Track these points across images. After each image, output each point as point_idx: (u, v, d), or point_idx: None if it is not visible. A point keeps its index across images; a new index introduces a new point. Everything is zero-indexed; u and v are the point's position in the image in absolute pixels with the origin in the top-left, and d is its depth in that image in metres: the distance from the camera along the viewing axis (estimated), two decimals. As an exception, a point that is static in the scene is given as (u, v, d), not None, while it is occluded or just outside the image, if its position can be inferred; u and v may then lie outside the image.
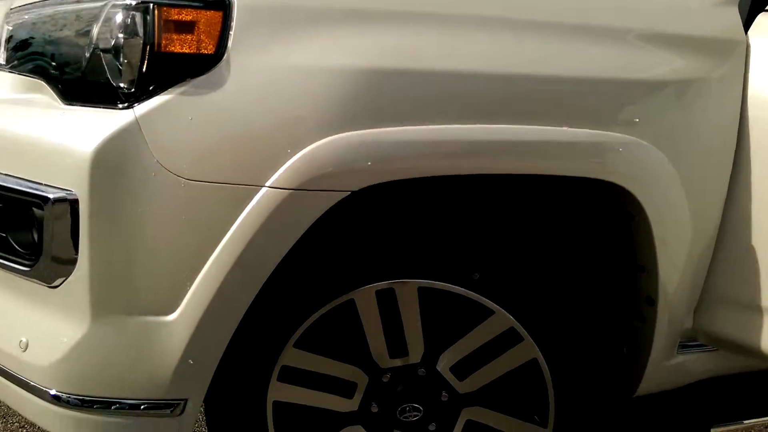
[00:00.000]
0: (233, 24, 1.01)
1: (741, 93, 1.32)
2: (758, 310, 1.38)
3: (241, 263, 1.02)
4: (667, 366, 1.49)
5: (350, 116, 1.02)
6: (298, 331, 1.23)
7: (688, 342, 1.54)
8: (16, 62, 1.16)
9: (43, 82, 1.09)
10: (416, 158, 1.07)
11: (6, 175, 1.06)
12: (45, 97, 1.10)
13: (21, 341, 1.10)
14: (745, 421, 1.63)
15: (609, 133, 1.20)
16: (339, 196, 1.03)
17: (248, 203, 1.00)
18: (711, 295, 1.44)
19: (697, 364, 1.56)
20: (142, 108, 0.99)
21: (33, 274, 1.06)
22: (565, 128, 1.16)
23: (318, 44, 1.04)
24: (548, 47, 1.17)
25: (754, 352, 1.43)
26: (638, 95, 1.24)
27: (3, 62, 1.16)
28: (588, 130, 1.18)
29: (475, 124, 1.10)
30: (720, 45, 1.31)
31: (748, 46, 1.32)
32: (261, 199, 1.00)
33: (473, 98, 1.11)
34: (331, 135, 1.01)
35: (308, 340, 1.24)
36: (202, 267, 1.02)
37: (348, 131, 1.02)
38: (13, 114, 1.12)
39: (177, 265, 1.02)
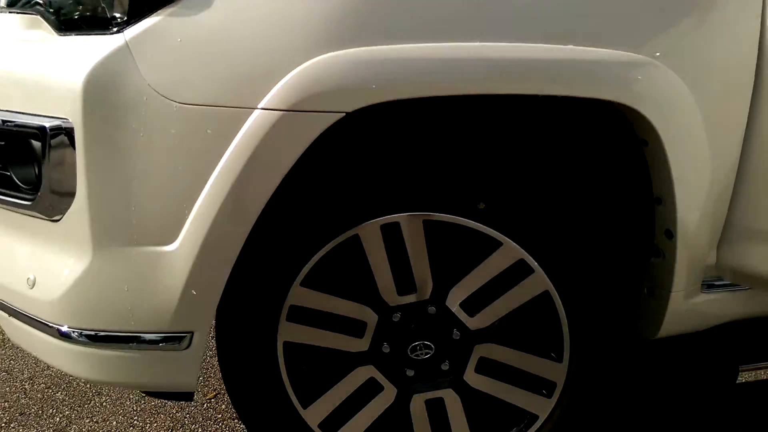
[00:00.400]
0: None
1: (761, 16, 1.24)
2: (783, 240, 1.32)
3: (238, 188, 1.00)
4: (690, 305, 1.43)
5: (343, 34, 0.99)
6: (304, 269, 1.21)
7: (713, 281, 1.49)
8: (16, 2, 1.17)
9: (40, 18, 1.09)
10: (410, 77, 1.02)
11: (4, 110, 1.07)
12: (42, 32, 1.10)
13: (28, 278, 1.11)
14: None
15: (622, 52, 1.14)
16: (333, 118, 1.00)
17: (242, 126, 0.98)
18: (734, 227, 1.38)
19: (723, 305, 1.50)
20: (131, 31, 0.98)
21: (34, 208, 1.06)
22: (576, 47, 1.10)
23: None
24: None
25: (782, 285, 1.36)
26: (655, 13, 1.17)
27: (4, 5, 1.17)
28: (600, 49, 1.12)
29: (480, 41, 1.05)
30: None
31: None
32: (254, 122, 0.98)
33: (480, 15, 1.05)
34: (322, 53, 0.98)
35: (315, 278, 1.23)
36: (199, 194, 1.01)
37: (341, 49, 0.99)
38: (8, 50, 1.13)
39: (173, 193, 1.01)
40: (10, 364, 2.02)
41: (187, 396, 1.24)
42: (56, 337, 1.11)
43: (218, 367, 1.98)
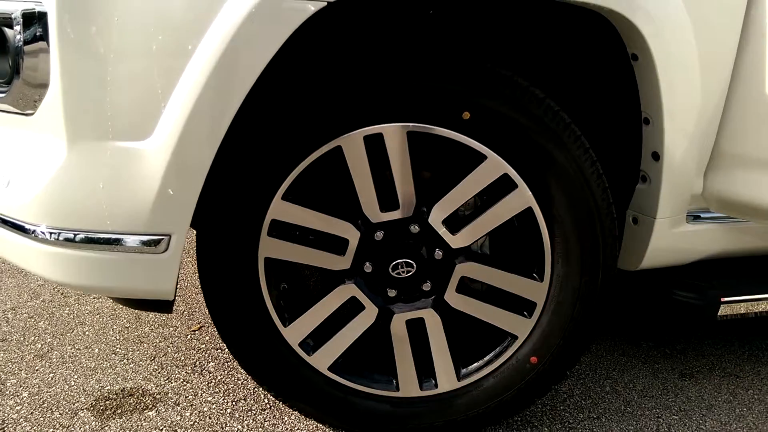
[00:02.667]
0: None
1: None
2: (771, 166, 1.31)
3: (213, 81, 0.97)
4: (674, 235, 1.43)
5: None
6: (285, 181, 1.19)
7: (699, 212, 1.48)
8: None
9: None
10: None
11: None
12: None
13: (2, 178, 1.09)
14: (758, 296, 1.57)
15: None
16: (315, 6, 0.97)
17: (219, 11, 0.95)
18: (722, 153, 1.37)
19: (707, 239, 1.50)
20: None
21: (6, 101, 1.03)
22: None
23: None
24: None
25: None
26: None
27: None
28: None
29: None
30: None
31: None
32: (231, 7, 0.95)
33: None
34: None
35: (297, 192, 1.21)
36: (174, 86, 0.98)
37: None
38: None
39: (148, 84, 0.98)
40: (-7, 295, 2.00)
41: (165, 306, 1.23)
42: (31, 239, 1.09)
43: (203, 303, 1.98)
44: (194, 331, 1.84)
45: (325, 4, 0.98)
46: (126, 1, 0.94)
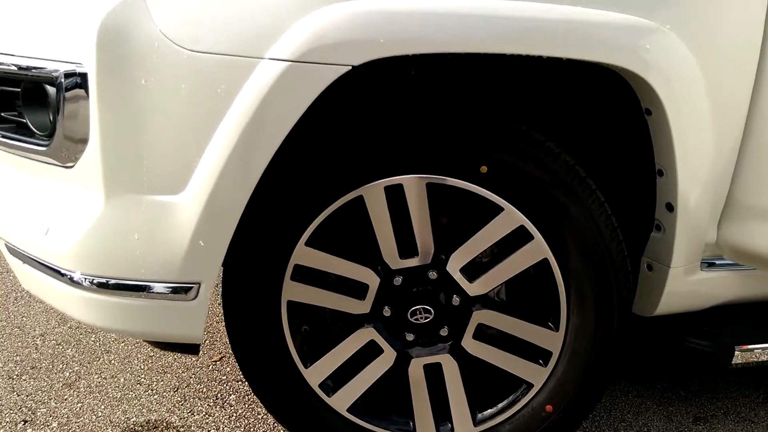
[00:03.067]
0: None
1: None
2: (785, 219, 1.32)
3: (245, 140, 1.03)
4: (689, 283, 1.44)
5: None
6: (308, 228, 1.24)
7: (713, 259, 1.50)
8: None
9: None
10: (418, 32, 1.03)
11: (21, 56, 1.10)
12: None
13: (42, 226, 1.15)
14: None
15: (631, 17, 1.13)
16: (340, 71, 1.02)
17: (250, 75, 1.01)
18: (735, 204, 1.39)
19: (721, 286, 1.51)
20: None
21: (48, 154, 1.10)
22: (586, 8, 1.10)
23: None
24: None
25: (781, 264, 1.37)
26: None
27: None
28: (609, 12, 1.12)
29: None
30: None
31: None
32: (262, 71, 1.01)
33: None
34: (332, 3, 1.00)
35: (320, 239, 1.26)
36: (208, 144, 1.04)
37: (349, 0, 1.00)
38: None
39: (183, 141, 1.04)
40: (23, 320, 2.07)
41: (193, 349, 1.28)
42: (68, 284, 1.15)
43: (224, 332, 2.03)
44: (215, 361, 1.89)
45: (350, 68, 1.03)
46: (161, 66, 1.00)
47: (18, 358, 1.85)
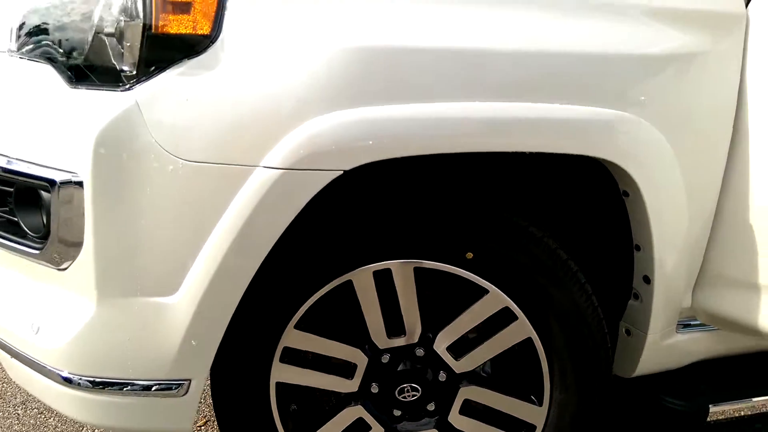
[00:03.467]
0: (229, 4, 1.03)
1: (740, 69, 1.30)
2: (756, 288, 1.38)
3: (238, 244, 1.05)
4: (665, 345, 1.50)
5: (344, 95, 1.04)
6: (298, 312, 1.26)
7: (687, 321, 1.55)
8: (26, 48, 1.19)
9: (51, 67, 1.12)
10: (405, 136, 1.07)
11: (17, 159, 1.11)
12: (54, 81, 1.13)
13: (33, 324, 1.15)
14: (753, 399, 1.63)
15: (608, 110, 1.19)
16: (332, 176, 1.05)
17: (244, 183, 1.03)
18: (709, 273, 1.45)
19: (697, 344, 1.56)
20: (141, 90, 1.02)
21: (42, 257, 1.10)
22: (562, 105, 1.15)
23: (315, 21, 1.05)
24: (547, 23, 1.15)
25: (752, 330, 1.43)
26: (637, 71, 1.21)
27: (15, 49, 1.19)
28: (585, 107, 1.17)
29: (474, 101, 1.10)
30: (720, 19, 1.28)
31: (747, 21, 1.29)
32: (255, 179, 1.03)
33: (471, 76, 1.10)
34: (323, 113, 1.03)
35: (309, 321, 1.27)
36: (201, 248, 1.05)
37: (341, 109, 1.03)
38: (22, 99, 1.16)
39: (176, 247, 1.05)
40: (3, 387, 2.04)
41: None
42: (58, 382, 1.15)
43: (209, 394, 2.01)
44: (200, 426, 1.88)
45: (342, 172, 1.06)
46: (157, 176, 1.02)
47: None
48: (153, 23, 1.01)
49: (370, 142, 1.05)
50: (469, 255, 1.24)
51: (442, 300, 1.33)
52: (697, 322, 1.56)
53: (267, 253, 1.08)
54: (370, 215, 1.23)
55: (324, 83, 1.03)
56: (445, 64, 1.09)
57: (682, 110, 1.27)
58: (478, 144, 1.15)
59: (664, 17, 1.24)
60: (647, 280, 1.39)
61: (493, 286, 1.27)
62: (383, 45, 1.06)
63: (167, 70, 1.02)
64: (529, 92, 1.14)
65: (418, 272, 1.26)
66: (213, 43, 1.02)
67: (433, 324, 1.32)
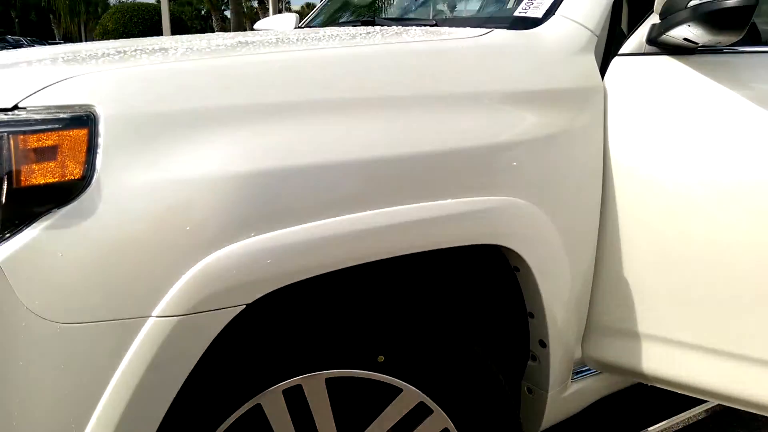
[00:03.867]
0: (100, 141, 0.93)
1: (603, 138, 1.39)
2: (634, 335, 1.50)
3: (135, 402, 0.94)
4: (564, 397, 1.57)
5: (232, 226, 0.98)
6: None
7: (579, 368, 1.65)
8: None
9: None
10: (302, 259, 1.04)
11: None
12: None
13: None
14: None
15: (486, 198, 1.24)
16: (233, 312, 0.99)
17: (135, 337, 0.93)
18: (593, 325, 1.55)
19: (591, 388, 1.66)
20: (4, 250, 0.89)
21: None
22: (443, 201, 1.18)
23: (193, 151, 0.97)
24: (409, 123, 1.16)
25: (636, 374, 1.55)
26: (506, 156, 1.26)
27: None
28: (465, 199, 1.21)
29: (359, 212, 1.09)
30: (579, 95, 1.36)
31: (605, 92, 1.39)
32: (149, 332, 0.94)
33: (350, 188, 1.09)
34: (212, 251, 0.96)
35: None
36: (93, 412, 0.93)
37: (231, 243, 0.97)
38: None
39: (65, 415, 0.93)
40: None
41: None
42: None
43: None
44: None
45: (244, 306, 0.99)
46: (33, 343, 0.89)
47: None
48: (14, 177, 0.89)
49: (270, 272, 1.00)
50: (381, 358, 1.22)
51: (357, 405, 1.29)
52: (587, 369, 1.66)
53: (170, 403, 0.98)
54: (273, 331, 1.16)
55: (212, 217, 0.97)
56: (318, 178, 1.06)
57: (555, 186, 1.35)
58: (373, 253, 1.14)
59: (520, 102, 1.30)
60: (543, 344, 1.46)
61: (407, 384, 1.25)
62: (263, 167, 1.01)
63: (34, 224, 0.89)
64: (409, 193, 1.15)
65: (330, 381, 1.22)
66: (87, 187, 0.91)
67: (351, 430, 1.27)
